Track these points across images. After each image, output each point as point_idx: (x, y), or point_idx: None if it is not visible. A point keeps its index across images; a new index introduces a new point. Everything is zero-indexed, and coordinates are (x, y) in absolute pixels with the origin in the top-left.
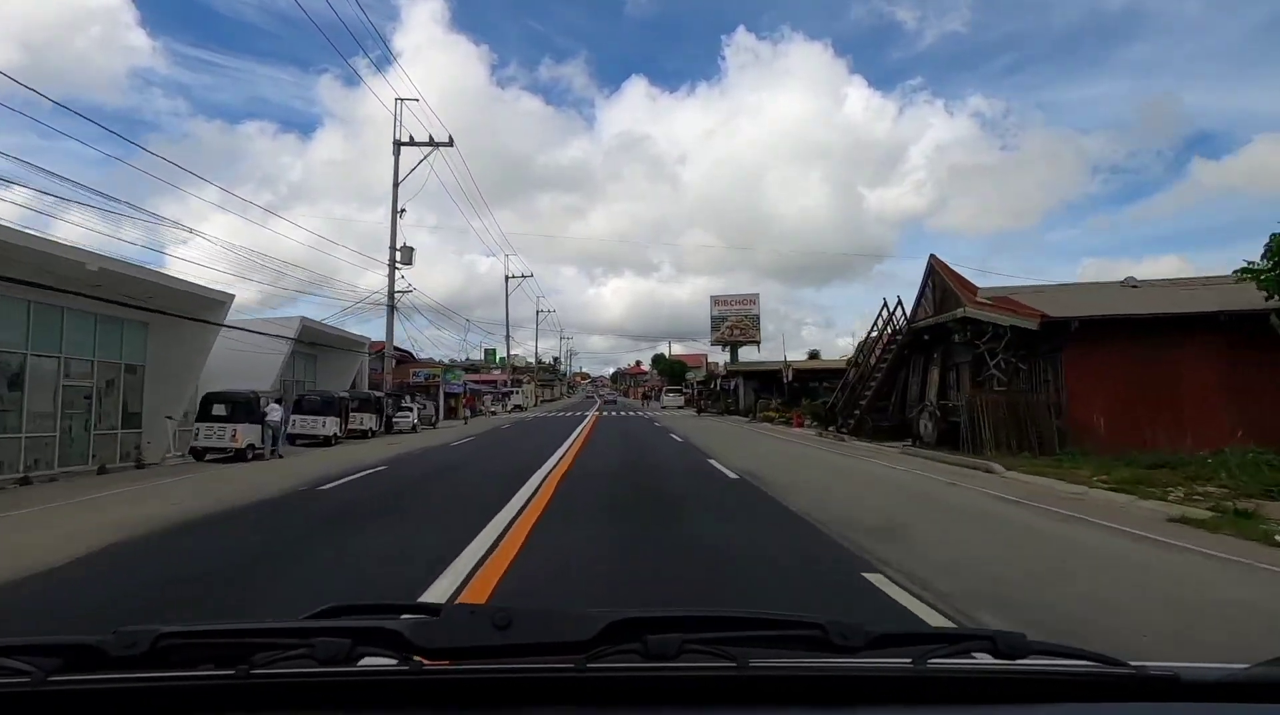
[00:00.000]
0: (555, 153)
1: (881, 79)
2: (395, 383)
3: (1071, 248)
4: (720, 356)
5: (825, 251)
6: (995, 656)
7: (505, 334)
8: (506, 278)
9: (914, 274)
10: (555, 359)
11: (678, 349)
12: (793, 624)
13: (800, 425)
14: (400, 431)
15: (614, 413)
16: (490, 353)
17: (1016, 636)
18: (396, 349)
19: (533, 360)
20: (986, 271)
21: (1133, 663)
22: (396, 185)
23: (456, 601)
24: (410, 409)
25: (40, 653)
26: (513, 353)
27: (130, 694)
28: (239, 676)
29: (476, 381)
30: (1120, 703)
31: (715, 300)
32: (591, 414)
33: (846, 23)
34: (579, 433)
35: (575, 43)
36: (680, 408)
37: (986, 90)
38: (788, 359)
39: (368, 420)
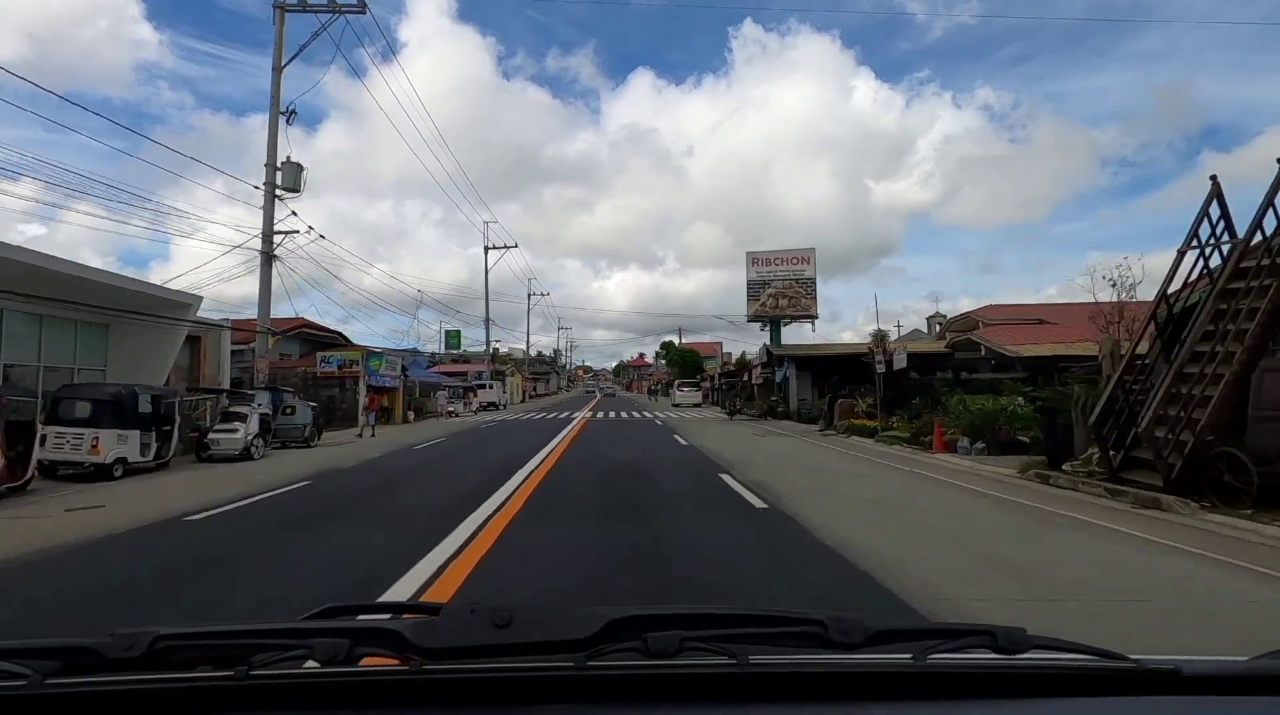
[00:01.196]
0: (561, 145)
1: (889, 71)
2: (295, 372)
3: (1078, 241)
4: (743, 344)
5: (830, 244)
6: (996, 651)
7: (485, 317)
8: (486, 249)
9: (919, 269)
10: (556, 352)
11: (684, 341)
12: (793, 620)
13: (944, 449)
14: (226, 457)
15: (611, 413)
16: (453, 335)
17: (1017, 631)
18: (323, 330)
19: (532, 353)
20: (991, 268)
21: (1133, 656)
22: (279, 69)
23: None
24: (240, 418)
25: (37, 655)
26: (512, 345)
27: (128, 696)
28: (238, 677)
29: (446, 372)
30: (1121, 697)
31: (754, 258)
32: (581, 416)
33: (854, 15)
34: (538, 463)
35: (582, 34)
36: (697, 406)
37: (995, 82)
38: (884, 337)
39: (111, 445)
